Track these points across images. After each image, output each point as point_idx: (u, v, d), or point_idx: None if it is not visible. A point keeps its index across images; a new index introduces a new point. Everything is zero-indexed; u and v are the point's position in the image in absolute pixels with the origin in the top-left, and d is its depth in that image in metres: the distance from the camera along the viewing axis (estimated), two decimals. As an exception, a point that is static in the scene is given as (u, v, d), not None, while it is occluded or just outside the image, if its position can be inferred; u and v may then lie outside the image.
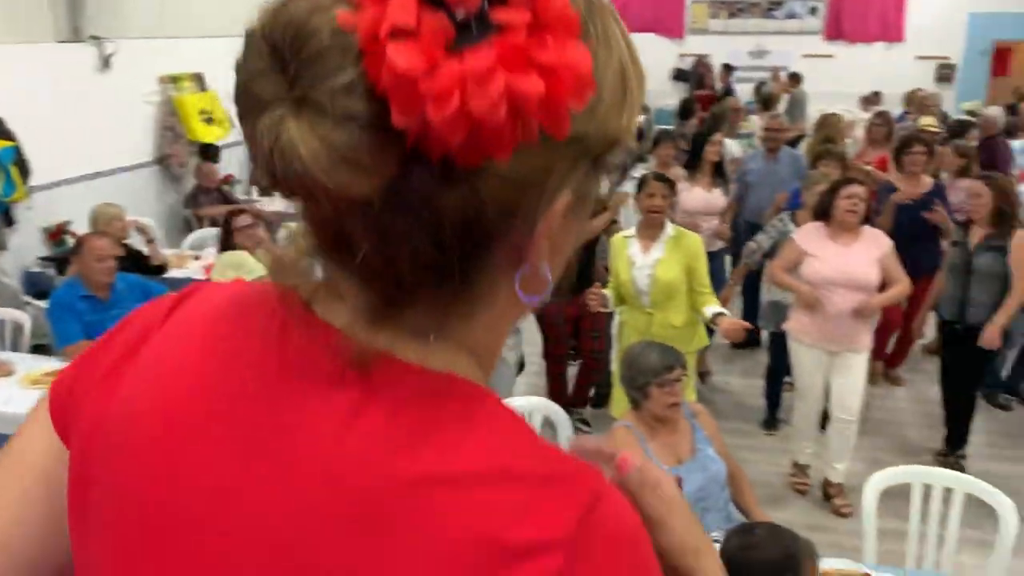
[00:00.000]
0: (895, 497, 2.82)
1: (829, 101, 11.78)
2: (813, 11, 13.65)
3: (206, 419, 0.57)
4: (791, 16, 13.56)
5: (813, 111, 11.62)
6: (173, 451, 0.57)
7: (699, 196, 5.11)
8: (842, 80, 12.75)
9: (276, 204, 5.95)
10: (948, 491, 2.74)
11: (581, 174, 0.54)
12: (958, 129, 7.15)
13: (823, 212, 3.81)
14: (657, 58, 12.89)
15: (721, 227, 5.15)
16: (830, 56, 13.64)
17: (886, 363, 5.23)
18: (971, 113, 9.13)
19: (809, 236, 3.84)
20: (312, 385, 0.55)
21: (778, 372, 4.53)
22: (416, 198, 0.48)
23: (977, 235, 4.01)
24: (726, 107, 7.69)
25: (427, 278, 0.52)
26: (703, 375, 5.14)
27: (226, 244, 4.56)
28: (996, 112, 7.14)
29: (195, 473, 0.56)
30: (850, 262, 3.70)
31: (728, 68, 12.73)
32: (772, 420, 4.69)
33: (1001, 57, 14.19)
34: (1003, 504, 2.61)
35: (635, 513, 0.56)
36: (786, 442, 4.34)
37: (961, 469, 3.61)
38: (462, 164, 0.47)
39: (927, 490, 2.76)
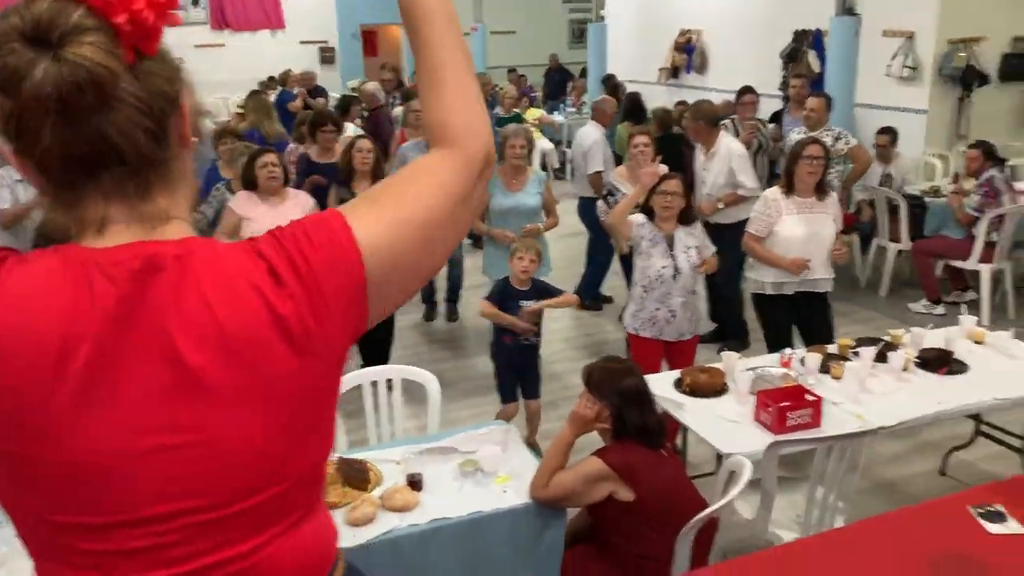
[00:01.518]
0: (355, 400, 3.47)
1: (229, 89, 12.25)
2: (196, 2, 13.95)
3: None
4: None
5: (211, 100, 12.02)
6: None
7: None
8: (237, 67, 13.34)
9: None
10: (390, 381, 3.50)
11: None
12: (345, 105, 8.04)
13: (249, 182, 4.40)
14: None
15: None
16: (222, 45, 14.15)
17: None
18: (355, 90, 10.30)
19: (243, 203, 4.43)
20: (132, 282, 0.85)
21: None
22: (130, 90, 0.83)
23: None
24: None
25: (153, 148, 0.86)
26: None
27: None
28: (374, 87, 8.02)
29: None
30: (280, 218, 4.29)
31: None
32: None
33: (369, 39, 16.31)
34: (426, 376, 3.46)
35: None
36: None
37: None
38: (146, 52, 0.84)
39: (375, 386, 3.47)
